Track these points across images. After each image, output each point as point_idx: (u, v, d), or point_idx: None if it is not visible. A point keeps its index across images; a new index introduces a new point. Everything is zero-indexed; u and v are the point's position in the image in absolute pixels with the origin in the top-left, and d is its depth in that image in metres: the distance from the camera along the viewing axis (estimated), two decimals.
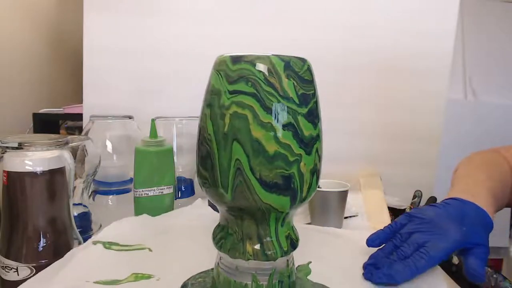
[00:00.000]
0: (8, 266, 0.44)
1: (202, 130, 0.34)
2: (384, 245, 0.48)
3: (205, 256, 0.45)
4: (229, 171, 0.32)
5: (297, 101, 0.32)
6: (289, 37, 0.99)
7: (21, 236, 0.44)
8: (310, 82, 0.34)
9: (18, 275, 0.44)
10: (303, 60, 0.34)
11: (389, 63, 1.02)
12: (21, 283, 0.40)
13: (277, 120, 0.32)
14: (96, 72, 1.02)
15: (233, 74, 0.32)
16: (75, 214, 0.56)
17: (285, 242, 0.36)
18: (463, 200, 0.49)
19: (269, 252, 0.35)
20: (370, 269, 0.44)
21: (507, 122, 1.83)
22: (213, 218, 0.58)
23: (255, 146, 0.31)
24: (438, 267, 0.47)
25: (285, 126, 0.32)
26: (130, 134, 0.78)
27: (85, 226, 0.59)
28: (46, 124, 1.51)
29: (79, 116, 1.09)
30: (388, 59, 1.02)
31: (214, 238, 0.37)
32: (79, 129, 1.43)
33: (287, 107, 0.32)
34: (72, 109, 1.42)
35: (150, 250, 0.49)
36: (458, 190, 0.54)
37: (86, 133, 0.75)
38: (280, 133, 0.32)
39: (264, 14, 1.01)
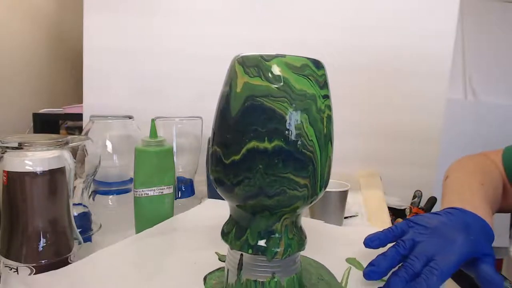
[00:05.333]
0: (8, 266, 0.44)
1: (294, 136, 0.32)
2: (386, 251, 0.44)
3: None
4: (325, 170, 0.35)
5: None
6: (289, 37, 0.99)
7: (21, 236, 0.44)
8: None
9: (18, 275, 0.44)
10: None
11: (389, 63, 1.02)
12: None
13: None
14: (96, 72, 1.02)
15: (320, 79, 0.34)
16: (75, 214, 0.56)
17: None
18: (463, 210, 0.48)
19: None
20: None
21: (507, 122, 1.83)
22: None
23: (333, 142, 0.36)
24: None
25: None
26: (130, 134, 0.78)
27: (85, 226, 0.59)
28: (46, 124, 1.51)
29: (79, 116, 1.09)
30: (388, 59, 1.02)
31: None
32: (79, 129, 1.44)
33: None
34: (72, 109, 1.43)
35: None
36: (455, 200, 0.52)
37: (86, 133, 0.75)
38: None
39: (264, 14, 1.01)
